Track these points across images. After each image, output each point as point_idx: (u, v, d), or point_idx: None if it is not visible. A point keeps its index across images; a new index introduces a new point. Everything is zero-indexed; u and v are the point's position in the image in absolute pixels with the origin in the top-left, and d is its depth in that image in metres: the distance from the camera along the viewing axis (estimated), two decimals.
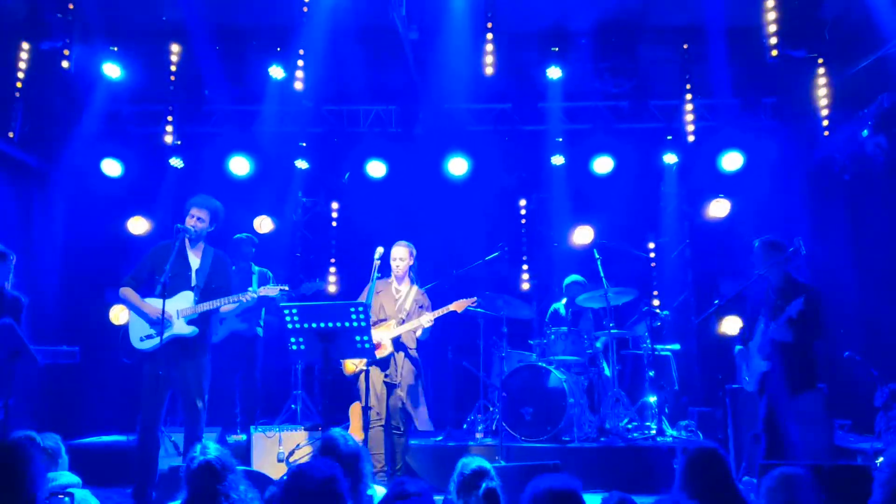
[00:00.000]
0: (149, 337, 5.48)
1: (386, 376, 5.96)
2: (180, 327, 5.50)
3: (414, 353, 6.07)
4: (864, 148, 7.47)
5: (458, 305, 6.12)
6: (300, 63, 7.48)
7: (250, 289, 5.91)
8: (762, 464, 4.36)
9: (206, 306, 5.55)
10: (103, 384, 7.84)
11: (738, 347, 5.89)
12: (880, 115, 7.32)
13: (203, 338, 5.63)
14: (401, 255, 6.23)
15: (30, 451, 2.63)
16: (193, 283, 5.61)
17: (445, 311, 6.06)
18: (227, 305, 5.66)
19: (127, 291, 5.59)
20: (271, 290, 5.83)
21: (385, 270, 6.25)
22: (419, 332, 6.04)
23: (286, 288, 5.89)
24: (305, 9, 7.19)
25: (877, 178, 7.51)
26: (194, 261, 5.67)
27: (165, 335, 5.39)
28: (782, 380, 5.50)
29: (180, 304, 5.53)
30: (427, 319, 5.96)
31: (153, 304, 5.50)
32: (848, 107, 7.82)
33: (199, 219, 5.63)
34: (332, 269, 9.55)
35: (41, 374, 7.30)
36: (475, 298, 6.21)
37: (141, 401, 5.49)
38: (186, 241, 5.64)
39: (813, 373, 5.57)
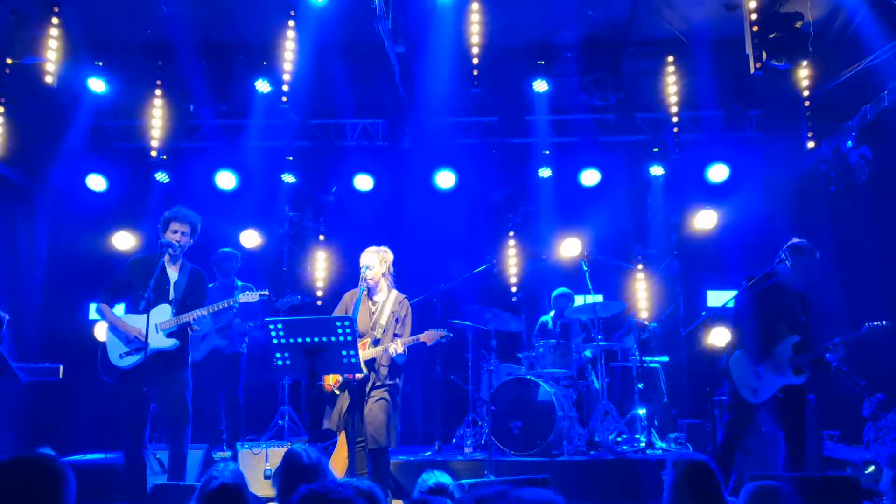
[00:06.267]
0: (128, 354, 5.40)
1: (360, 395, 5.53)
2: (160, 341, 5.44)
3: (386, 370, 5.54)
4: (849, 159, 7.52)
5: (426, 337, 5.58)
6: (286, 77, 7.45)
7: (231, 298, 5.83)
8: (752, 475, 4.33)
9: (184, 318, 5.49)
10: (86, 402, 7.72)
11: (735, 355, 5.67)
12: (864, 127, 7.38)
13: (183, 351, 5.58)
14: (367, 262, 5.60)
15: (67, 472, 2.56)
16: (171, 296, 5.55)
17: (413, 341, 5.57)
18: (195, 325, 5.61)
19: (104, 309, 5.54)
20: (251, 297, 5.74)
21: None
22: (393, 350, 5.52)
23: (266, 293, 5.83)
24: (292, 22, 7.19)
25: (861, 189, 7.56)
26: (172, 275, 5.63)
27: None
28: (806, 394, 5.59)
29: (158, 318, 5.46)
30: (393, 349, 5.46)
31: (130, 321, 5.44)
32: (832, 119, 7.89)
33: (182, 233, 5.57)
34: (320, 284, 9.50)
35: (24, 391, 7.23)
36: (444, 332, 5.60)
37: (123, 421, 5.38)
38: (167, 255, 5.59)
39: None
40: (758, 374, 5.53)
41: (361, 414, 5.52)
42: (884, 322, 5.35)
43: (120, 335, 5.44)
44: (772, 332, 5.46)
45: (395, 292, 5.75)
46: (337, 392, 5.54)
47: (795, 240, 5.69)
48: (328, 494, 2.52)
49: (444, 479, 3.64)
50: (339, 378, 5.50)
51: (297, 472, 3.31)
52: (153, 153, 8.74)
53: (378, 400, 5.51)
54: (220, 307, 5.66)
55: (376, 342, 5.56)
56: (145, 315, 5.19)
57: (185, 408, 5.49)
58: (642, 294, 9.34)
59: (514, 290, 9.50)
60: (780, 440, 5.56)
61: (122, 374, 5.40)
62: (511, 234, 9.60)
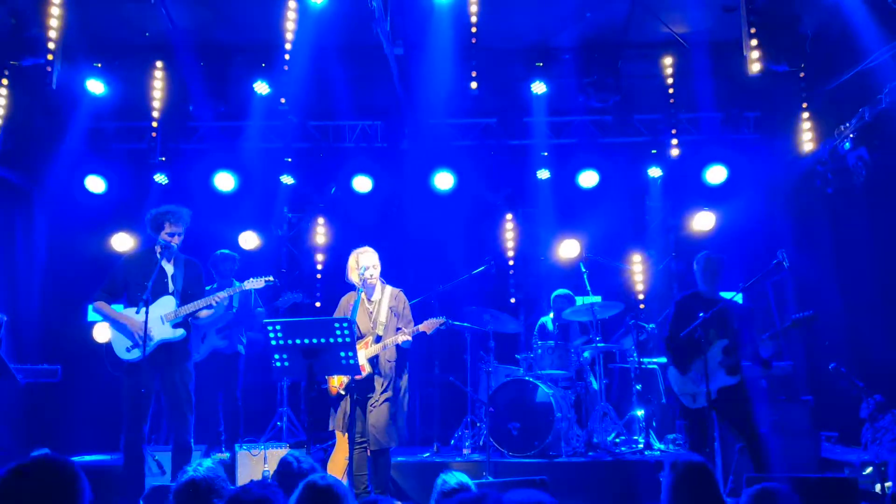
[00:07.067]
0: (134, 347, 5.50)
1: (364, 395, 5.54)
2: (167, 332, 5.55)
3: (391, 366, 5.58)
4: (847, 161, 7.54)
5: (426, 326, 5.64)
6: (285, 79, 7.46)
7: (238, 286, 5.95)
8: (749, 476, 4.34)
9: (189, 308, 5.60)
10: (85, 403, 7.75)
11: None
12: (861, 129, 7.39)
13: (187, 342, 5.71)
14: (372, 261, 5.69)
15: (80, 475, 2.57)
16: (171, 288, 5.66)
17: (415, 332, 5.62)
18: (205, 311, 5.71)
19: (101, 305, 5.64)
20: (257, 283, 5.88)
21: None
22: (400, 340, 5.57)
23: (271, 279, 5.93)
24: (290, 24, 7.19)
25: (859, 190, 7.57)
26: (169, 268, 5.75)
27: (153, 342, 5.45)
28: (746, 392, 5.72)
29: (163, 310, 5.58)
30: (402, 338, 5.52)
31: (133, 316, 5.52)
32: (829, 120, 7.90)
33: (178, 235, 5.70)
34: (318, 286, 9.49)
35: (22, 393, 7.22)
36: (443, 319, 5.69)
37: (124, 414, 5.47)
38: (160, 252, 5.70)
39: None
40: (695, 380, 5.71)
41: (365, 414, 5.53)
42: (808, 312, 5.66)
43: (125, 330, 5.53)
44: (698, 342, 5.53)
45: (388, 288, 5.81)
46: (342, 392, 5.55)
47: (700, 253, 6.16)
48: (242, 496, 2.74)
49: (464, 478, 3.61)
50: (344, 379, 5.51)
51: (287, 481, 3.35)
52: (152, 154, 8.75)
53: (383, 402, 5.53)
54: (224, 296, 5.79)
55: (378, 339, 5.59)
56: (145, 317, 5.24)
57: (189, 398, 5.63)
58: (641, 295, 9.35)
59: (512, 291, 9.50)
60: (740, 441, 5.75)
61: (128, 367, 5.51)
62: (510, 234, 9.60)
